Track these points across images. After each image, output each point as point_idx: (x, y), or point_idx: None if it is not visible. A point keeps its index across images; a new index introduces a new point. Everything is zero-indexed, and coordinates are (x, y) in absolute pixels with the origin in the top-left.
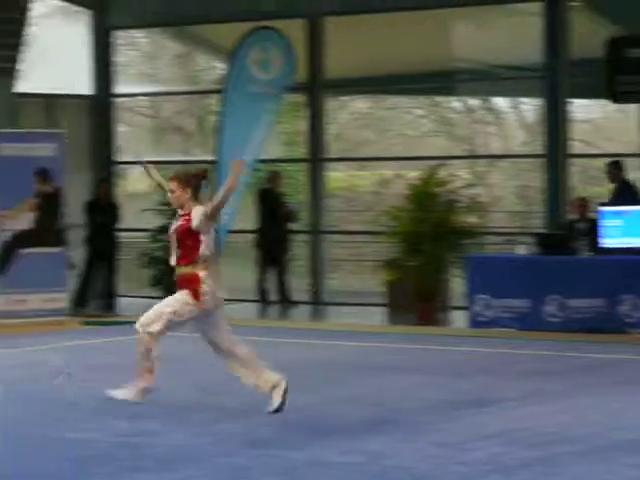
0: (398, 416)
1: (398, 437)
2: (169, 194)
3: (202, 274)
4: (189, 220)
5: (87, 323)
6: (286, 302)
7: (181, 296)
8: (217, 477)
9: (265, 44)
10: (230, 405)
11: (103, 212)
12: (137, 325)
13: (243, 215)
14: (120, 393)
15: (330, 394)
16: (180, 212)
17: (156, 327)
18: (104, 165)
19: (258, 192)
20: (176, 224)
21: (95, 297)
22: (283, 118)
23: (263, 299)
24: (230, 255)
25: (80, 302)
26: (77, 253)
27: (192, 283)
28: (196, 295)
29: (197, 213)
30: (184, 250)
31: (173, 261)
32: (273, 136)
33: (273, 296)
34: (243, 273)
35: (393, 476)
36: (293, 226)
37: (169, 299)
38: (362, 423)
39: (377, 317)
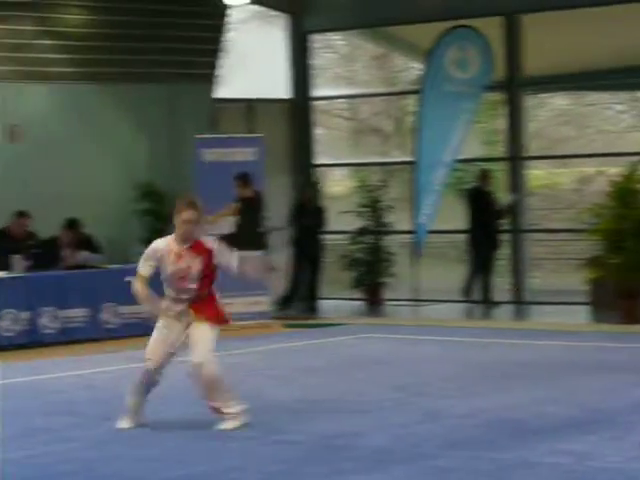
0: (606, 416)
1: (606, 437)
2: (187, 225)
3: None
4: (208, 254)
5: (290, 326)
6: (489, 302)
7: (212, 327)
8: (423, 478)
9: (462, 43)
10: (431, 406)
11: (310, 215)
12: (197, 361)
13: (442, 215)
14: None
15: (535, 394)
16: (186, 245)
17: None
18: (303, 168)
19: (468, 191)
20: (186, 265)
21: (299, 300)
22: (481, 117)
23: (469, 299)
24: (429, 255)
25: (285, 304)
26: (278, 256)
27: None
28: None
29: (217, 247)
30: (203, 281)
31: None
32: (472, 135)
33: (476, 296)
34: (443, 274)
35: (601, 477)
36: (502, 225)
37: (205, 330)
38: (569, 423)
39: (580, 316)
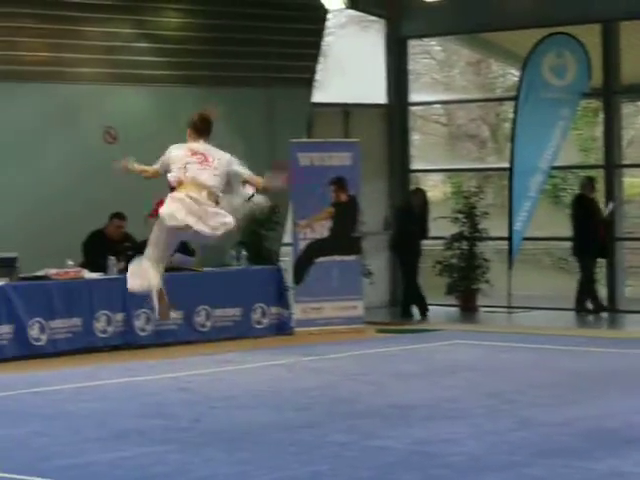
0: None
1: None
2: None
3: None
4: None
5: (383, 331)
6: (600, 309)
7: None
8: None
9: (560, 50)
10: (525, 414)
11: (414, 220)
12: None
13: (537, 222)
14: None
15: (630, 403)
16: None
17: None
18: (399, 173)
19: (574, 199)
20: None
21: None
22: (578, 124)
23: (583, 309)
24: (524, 262)
25: (406, 311)
26: (373, 261)
27: None
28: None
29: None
30: None
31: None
32: (568, 142)
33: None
34: (537, 281)
35: None
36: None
37: None
38: None
39: None
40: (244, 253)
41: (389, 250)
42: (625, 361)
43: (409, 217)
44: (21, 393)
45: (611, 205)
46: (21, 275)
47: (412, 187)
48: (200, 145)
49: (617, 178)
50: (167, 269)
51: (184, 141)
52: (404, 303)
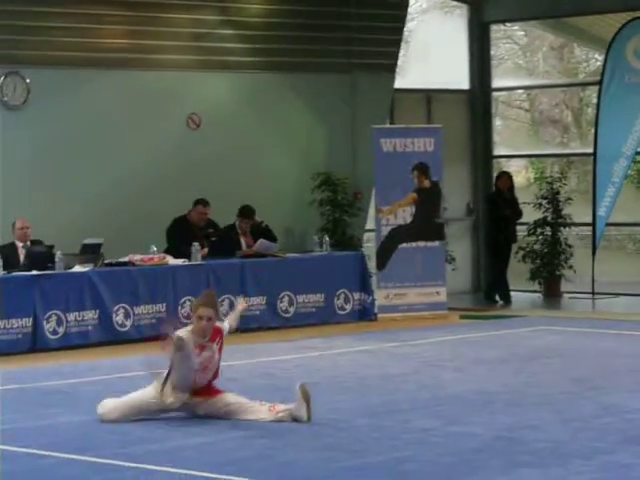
0: None
1: None
2: (204, 323)
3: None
4: (221, 337)
5: (466, 317)
6: None
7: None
8: (602, 474)
9: None
10: (609, 400)
11: (506, 204)
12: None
13: (621, 207)
14: None
15: None
16: (204, 340)
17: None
18: (482, 159)
19: None
20: (210, 353)
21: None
22: None
23: None
24: (608, 248)
25: (492, 296)
26: (456, 247)
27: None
28: None
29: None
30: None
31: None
32: None
33: None
34: (621, 266)
35: None
36: None
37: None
38: None
39: None
40: (327, 239)
41: (486, 237)
42: None
43: (500, 202)
44: (107, 378)
45: None
46: (106, 261)
47: (496, 172)
48: None
49: None
50: (250, 255)
51: (264, 126)
52: (491, 289)
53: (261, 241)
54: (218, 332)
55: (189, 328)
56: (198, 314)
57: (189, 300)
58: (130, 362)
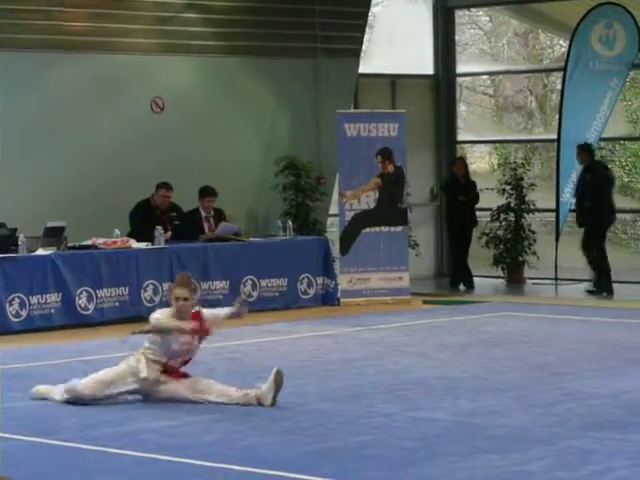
0: None
1: None
2: (181, 302)
3: None
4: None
5: (429, 302)
6: None
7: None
8: (562, 460)
9: (609, 20)
10: (571, 386)
11: (463, 190)
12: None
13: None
14: None
15: None
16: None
17: None
18: (445, 144)
19: None
20: (188, 338)
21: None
22: (626, 95)
23: None
24: (571, 234)
25: (456, 281)
26: (419, 232)
27: None
28: None
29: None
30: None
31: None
32: (616, 113)
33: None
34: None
35: None
36: None
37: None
38: None
39: None
40: (290, 224)
41: (445, 223)
42: None
43: (455, 187)
44: (70, 361)
45: None
46: (69, 244)
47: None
48: None
49: None
50: (213, 239)
51: (228, 110)
52: (455, 274)
53: (223, 224)
54: (197, 316)
55: (168, 311)
56: (175, 295)
57: (152, 284)
58: (92, 345)
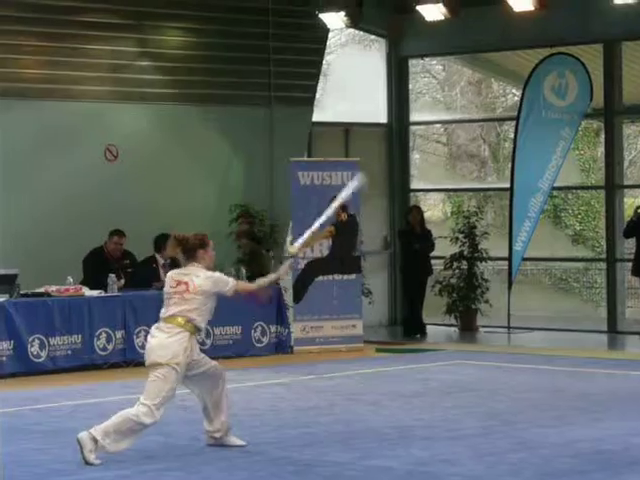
0: None
1: None
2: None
3: None
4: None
5: (382, 350)
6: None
7: None
8: None
9: (561, 70)
10: (524, 435)
11: (418, 239)
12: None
13: (537, 242)
14: None
15: (628, 425)
16: None
17: None
18: (399, 192)
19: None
20: None
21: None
22: (579, 144)
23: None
24: (523, 283)
25: (409, 330)
26: (373, 280)
27: None
28: None
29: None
30: None
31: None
32: (569, 162)
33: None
34: (537, 301)
35: None
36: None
37: None
38: None
39: None
40: (244, 271)
41: (400, 272)
42: (625, 383)
43: (410, 236)
44: (21, 410)
45: None
46: (21, 292)
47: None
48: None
49: (618, 198)
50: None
51: (183, 157)
52: (408, 322)
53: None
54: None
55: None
56: (211, 247)
57: (105, 332)
58: (44, 394)
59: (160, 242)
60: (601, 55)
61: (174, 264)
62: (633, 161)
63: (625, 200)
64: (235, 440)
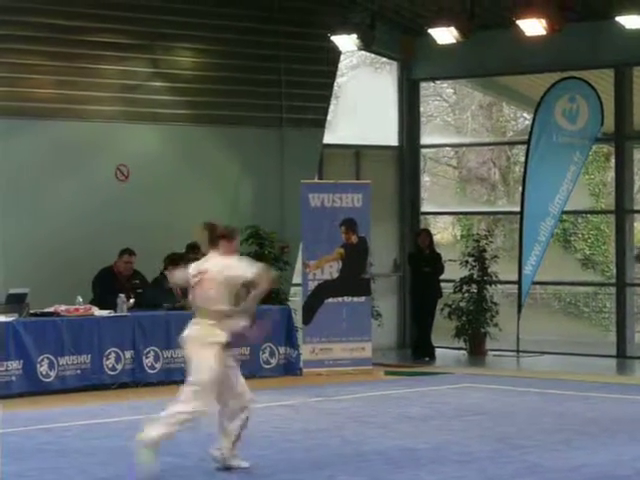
0: None
1: None
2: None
3: None
4: None
5: (391, 373)
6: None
7: None
8: None
9: (572, 94)
10: (532, 459)
11: (427, 262)
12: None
13: (547, 266)
14: None
15: (637, 450)
16: None
17: None
18: (409, 216)
19: None
20: None
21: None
22: (589, 169)
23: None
24: (533, 307)
25: (419, 353)
26: (382, 303)
27: None
28: None
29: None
30: None
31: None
32: (579, 187)
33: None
34: (546, 325)
35: None
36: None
37: None
38: None
39: None
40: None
41: (409, 295)
42: (633, 407)
43: (420, 259)
44: (29, 429)
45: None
46: (31, 311)
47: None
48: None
49: (628, 223)
50: (177, 308)
51: (193, 178)
52: (417, 345)
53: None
54: None
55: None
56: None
57: (114, 352)
58: (52, 413)
59: (171, 261)
60: (612, 80)
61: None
62: None
63: (635, 225)
64: (240, 462)
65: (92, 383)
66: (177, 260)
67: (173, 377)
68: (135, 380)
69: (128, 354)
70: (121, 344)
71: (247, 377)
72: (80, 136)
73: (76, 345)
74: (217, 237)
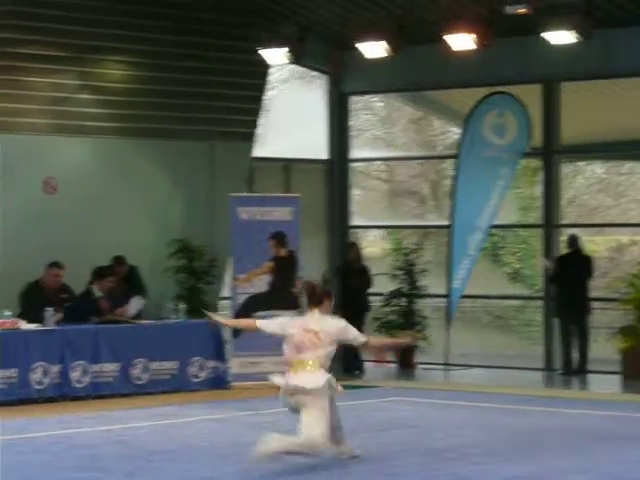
0: None
1: None
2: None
3: None
4: None
5: None
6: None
7: None
8: None
9: (500, 109)
10: (460, 472)
11: (356, 275)
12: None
13: (475, 280)
14: None
15: (563, 463)
16: None
17: None
18: (339, 229)
19: (558, 258)
20: None
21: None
22: (518, 183)
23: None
24: (462, 320)
25: (348, 367)
26: None
27: None
28: None
29: None
30: None
31: None
32: (508, 201)
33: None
34: (475, 338)
35: None
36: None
37: None
38: None
39: (611, 385)
40: (182, 306)
41: (338, 308)
42: (560, 420)
43: (348, 272)
44: None
45: (545, 263)
46: None
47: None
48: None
49: (555, 237)
50: (105, 322)
51: (122, 191)
52: (347, 359)
53: (134, 299)
54: None
55: None
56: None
57: (41, 365)
58: None
59: (98, 274)
60: (540, 95)
61: (111, 297)
62: (571, 200)
63: (562, 239)
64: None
65: (18, 397)
66: (103, 273)
67: (101, 391)
68: (62, 394)
69: (55, 368)
70: (48, 358)
71: (176, 391)
72: (7, 149)
73: (2, 359)
74: (322, 296)
